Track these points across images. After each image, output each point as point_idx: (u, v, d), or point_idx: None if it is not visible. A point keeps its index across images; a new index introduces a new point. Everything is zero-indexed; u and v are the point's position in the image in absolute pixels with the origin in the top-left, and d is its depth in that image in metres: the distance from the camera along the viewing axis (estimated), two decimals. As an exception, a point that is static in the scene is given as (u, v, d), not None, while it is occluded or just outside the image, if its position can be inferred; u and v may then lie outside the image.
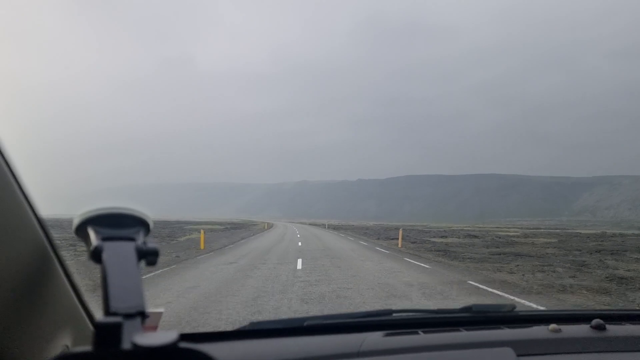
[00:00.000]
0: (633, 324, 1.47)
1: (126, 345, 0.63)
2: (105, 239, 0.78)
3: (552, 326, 1.37)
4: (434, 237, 37.83)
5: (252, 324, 1.44)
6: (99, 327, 0.64)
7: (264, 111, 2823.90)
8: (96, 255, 0.75)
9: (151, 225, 0.85)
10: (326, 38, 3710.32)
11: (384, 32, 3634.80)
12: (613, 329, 1.37)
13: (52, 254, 0.88)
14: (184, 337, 0.79)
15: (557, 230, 68.71)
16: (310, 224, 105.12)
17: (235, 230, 49.95)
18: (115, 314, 0.68)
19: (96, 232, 0.78)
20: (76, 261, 13.52)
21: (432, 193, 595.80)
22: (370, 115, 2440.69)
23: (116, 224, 0.80)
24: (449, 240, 33.06)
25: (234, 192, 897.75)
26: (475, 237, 38.53)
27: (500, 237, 37.58)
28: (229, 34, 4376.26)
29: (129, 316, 0.68)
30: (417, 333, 1.38)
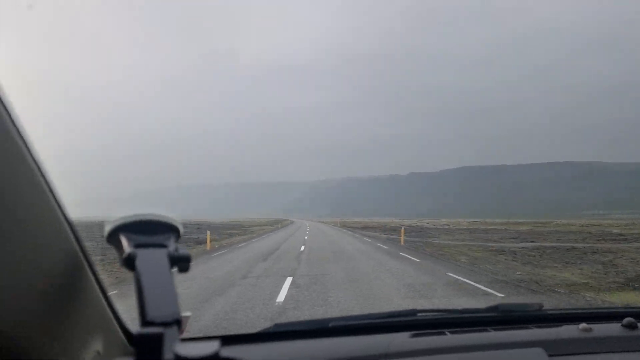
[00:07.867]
0: None
1: (168, 356, 0.61)
2: (137, 245, 0.78)
3: (583, 325, 1.34)
4: None
5: (276, 325, 1.42)
6: (139, 338, 0.62)
7: (307, 106, 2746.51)
8: (129, 263, 0.75)
9: (182, 231, 0.85)
10: (376, 26, 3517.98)
11: (439, 16, 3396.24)
12: None
13: (83, 261, 0.88)
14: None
15: None
16: (354, 228, 64.53)
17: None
18: (152, 323, 0.67)
19: (128, 239, 0.78)
20: (104, 269, 12.43)
21: (493, 185, 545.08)
22: (420, 108, 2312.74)
23: (147, 231, 0.80)
24: None
25: (280, 190, 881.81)
26: None
27: None
28: (271, 25, 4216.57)
29: (166, 325, 0.67)
30: (444, 334, 1.36)
